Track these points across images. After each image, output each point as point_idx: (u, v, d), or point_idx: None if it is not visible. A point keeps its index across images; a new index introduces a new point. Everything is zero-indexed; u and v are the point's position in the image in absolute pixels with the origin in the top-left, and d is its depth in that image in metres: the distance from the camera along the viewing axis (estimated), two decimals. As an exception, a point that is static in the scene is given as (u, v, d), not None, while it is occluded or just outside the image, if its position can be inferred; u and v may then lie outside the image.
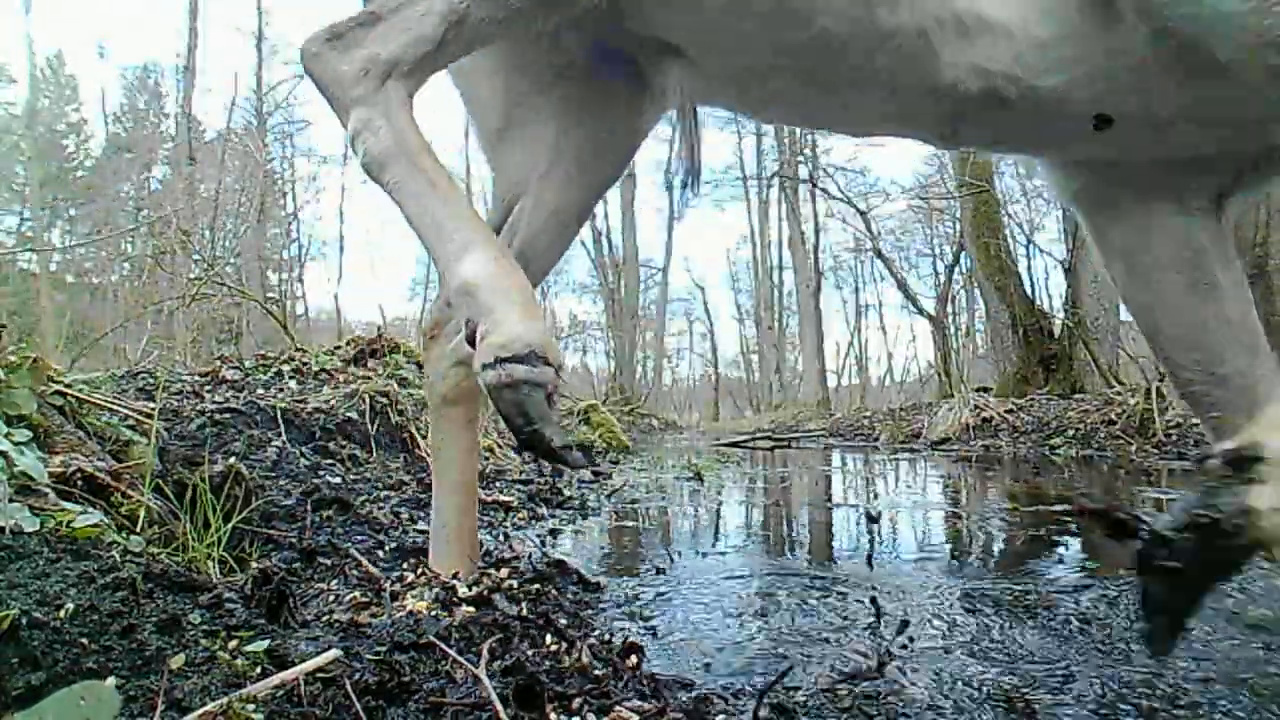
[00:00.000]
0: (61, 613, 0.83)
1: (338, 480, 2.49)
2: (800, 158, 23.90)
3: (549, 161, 1.37)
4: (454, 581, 1.33)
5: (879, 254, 16.67)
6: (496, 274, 0.94)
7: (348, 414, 3.20)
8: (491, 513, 2.54)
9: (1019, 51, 1.08)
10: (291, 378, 3.86)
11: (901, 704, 0.99)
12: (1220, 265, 1.24)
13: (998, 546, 2.06)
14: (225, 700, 0.73)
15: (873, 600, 1.41)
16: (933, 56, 1.10)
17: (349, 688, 0.83)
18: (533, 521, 2.58)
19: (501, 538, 2.14)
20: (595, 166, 1.40)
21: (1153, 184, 1.25)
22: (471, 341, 0.93)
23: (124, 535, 1.23)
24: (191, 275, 7.97)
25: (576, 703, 0.90)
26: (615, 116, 1.39)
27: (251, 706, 0.74)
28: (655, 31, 1.22)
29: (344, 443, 3.03)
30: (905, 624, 1.26)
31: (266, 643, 0.92)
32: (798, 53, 1.16)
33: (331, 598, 1.29)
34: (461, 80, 1.45)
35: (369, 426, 3.22)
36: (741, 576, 1.72)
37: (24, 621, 0.76)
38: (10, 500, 1.09)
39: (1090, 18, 1.04)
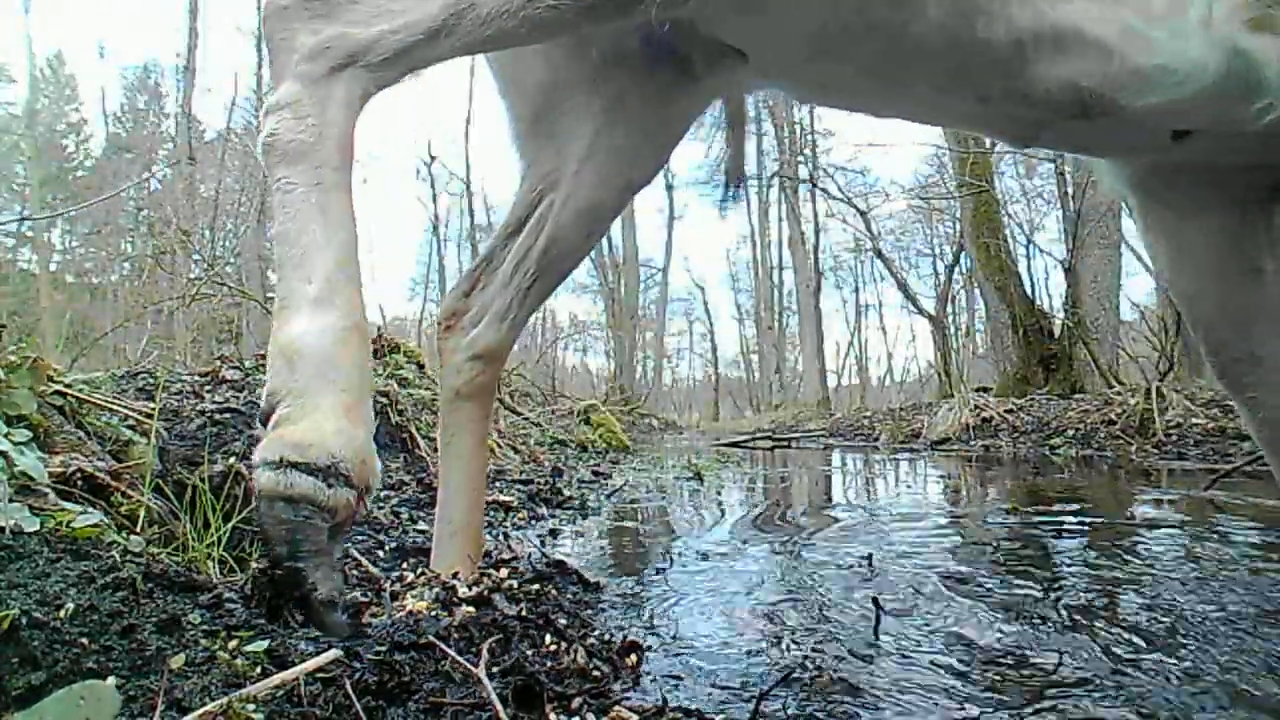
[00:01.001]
0: (61, 613, 0.83)
1: (338, 480, 2.49)
2: (800, 158, 23.93)
3: (585, 156, 1.30)
4: (454, 581, 1.33)
5: (879, 254, 16.67)
6: (333, 348, 0.73)
7: (348, 414, 3.20)
8: (491, 513, 2.54)
9: (1115, 72, 1.06)
10: (291, 378, 3.86)
11: (895, 704, 0.99)
12: (1265, 252, 1.27)
13: (998, 550, 2.06)
14: (225, 700, 0.73)
15: (874, 600, 1.41)
16: (1025, 68, 1.08)
17: (349, 688, 0.83)
18: (533, 521, 2.58)
19: (501, 538, 2.14)
20: (634, 166, 1.35)
21: (1208, 176, 1.26)
22: (264, 413, 0.72)
23: (124, 535, 1.23)
24: (191, 275, 7.97)
25: (576, 703, 0.90)
26: (661, 115, 1.32)
27: (251, 706, 0.74)
28: (725, 37, 1.16)
29: (344, 443, 3.03)
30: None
31: (266, 643, 0.92)
32: (885, 60, 1.12)
33: (331, 598, 1.29)
34: (497, 61, 1.35)
35: (369, 426, 3.22)
36: (742, 577, 1.72)
37: (24, 621, 0.75)
38: (10, 500, 1.09)
39: (1223, 71, 1.02)
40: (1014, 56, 1.08)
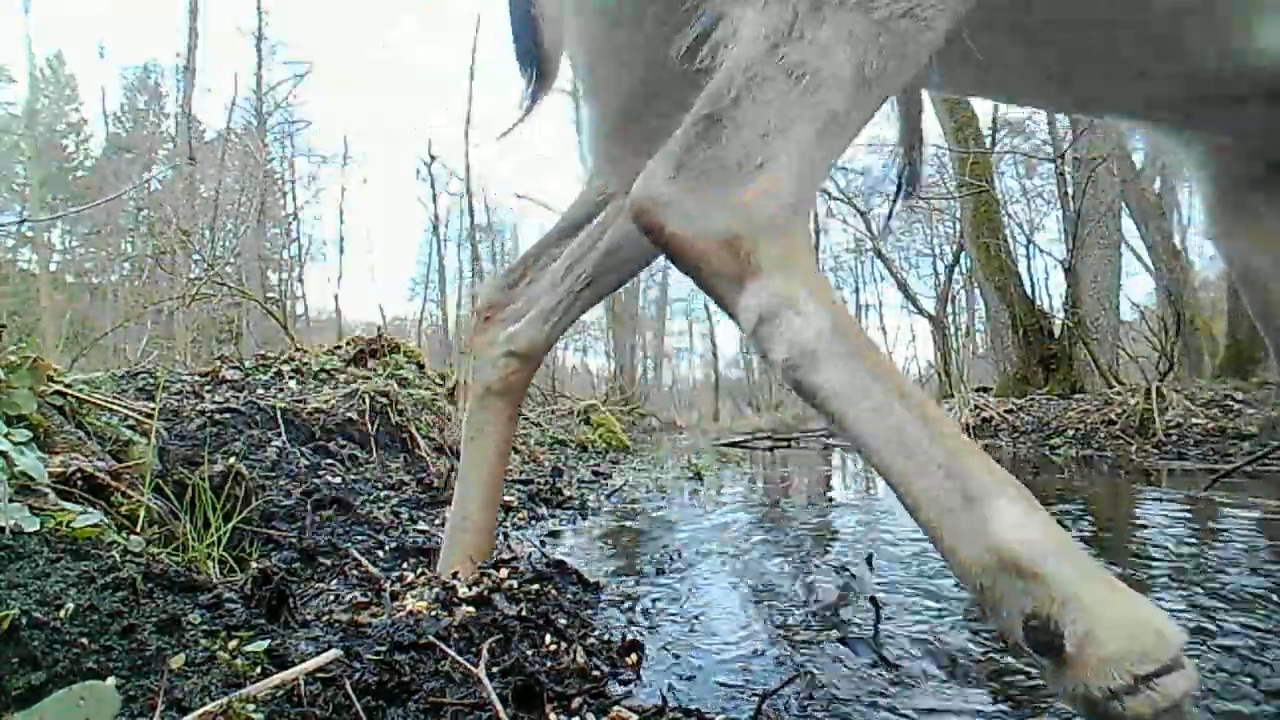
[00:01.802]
0: (61, 613, 0.83)
1: (338, 480, 2.49)
2: (800, 158, 23.86)
3: None
4: (454, 581, 1.33)
5: (879, 254, 16.68)
6: (1052, 538, 0.63)
7: (348, 414, 3.20)
8: (491, 513, 2.54)
9: None
10: (291, 378, 3.86)
11: (899, 706, 0.99)
12: None
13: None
14: (225, 700, 0.73)
15: (872, 600, 1.41)
16: (1248, 36, 0.94)
17: (349, 688, 0.83)
18: (533, 521, 2.58)
19: (501, 538, 2.15)
20: None
21: None
22: (1038, 644, 0.63)
23: (124, 535, 1.23)
24: (191, 275, 7.98)
25: (576, 703, 0.90)
26: None
27: (251, 706, 0.74)
28: None
29: (344, 443, 3.04)
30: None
31: (266, 643, 0.92)
32: (1095, 43, 1.00)
33: (331, 598, 1.29)
34: (590, 58, 1.23)
35: (369, 426, 3.22)
36: (743, 577, 1.72)
37: (24, 621, 0.76)
38: (10, 500, 1.09)
39: None
40: (1238, 24, 0.95)
